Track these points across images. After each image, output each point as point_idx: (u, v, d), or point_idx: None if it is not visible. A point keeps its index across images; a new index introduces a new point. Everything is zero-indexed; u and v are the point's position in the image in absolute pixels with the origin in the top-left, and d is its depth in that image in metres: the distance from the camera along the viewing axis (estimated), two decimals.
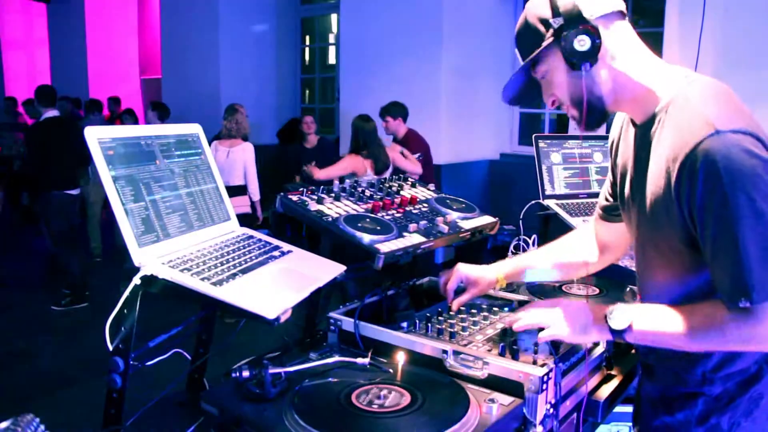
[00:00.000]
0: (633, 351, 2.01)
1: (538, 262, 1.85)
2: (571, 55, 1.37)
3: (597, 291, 2.22)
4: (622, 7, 1.42)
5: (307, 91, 10.08)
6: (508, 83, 1.55)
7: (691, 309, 1.34)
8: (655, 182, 1.38)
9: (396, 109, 5.88)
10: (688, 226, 1.33)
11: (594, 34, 1.35)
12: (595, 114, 1.46)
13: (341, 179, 5.09)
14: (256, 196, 5.79)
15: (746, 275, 1.22)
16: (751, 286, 1.22)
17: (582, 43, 1.35)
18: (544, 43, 1.40)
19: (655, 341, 1.42)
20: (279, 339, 1.79)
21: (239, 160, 5.63)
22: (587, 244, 1.85)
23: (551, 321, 1.50)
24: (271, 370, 1.40)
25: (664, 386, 1.56)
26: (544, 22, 1.40)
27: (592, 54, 1.36)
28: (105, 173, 1.37)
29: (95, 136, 1.37)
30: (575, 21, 1.36)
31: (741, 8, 5.20)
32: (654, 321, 1.38)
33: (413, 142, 5.83)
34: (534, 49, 1.42)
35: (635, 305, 1.44)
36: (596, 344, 1.78)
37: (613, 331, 1.40)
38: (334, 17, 9.49)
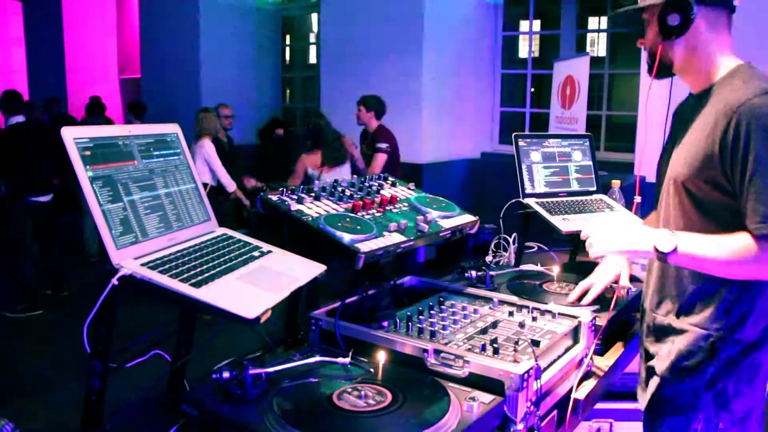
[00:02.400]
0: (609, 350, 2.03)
1: None
2: (662, 25, 1.65)
3: None
4: (734, 1, 1.66)
5: (288, 91, 10.06)
6: (623, 7, 1.84)
7: (728, 238, 1.54)
8: (699, 130, 1.62)
9: (372, 102, 6.00)
10: (717, 168, 1.57)
11: (686, 16, 1.62)
12: (662, 71, 1.75)
13: (308, 180, 5.29)
14: (232, 186, 5.99)
15: None
16: None
17: (673, 19, 1.63)
18: (651, 1, 1.68)
19: (695, 265, 1.63)
20: (260, 339, 1.78)
21: (198, 156, 5.83)
22: None
23: (606, 238, 1.73)
24: (252, 371, 1.39)
25: (676, 358, 1.73)
26: None
27: (678, 31, 1.64)
28: (82, 173, 1.36)
29: (72, 136, 1.36)
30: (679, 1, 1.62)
31: None
32: (696, 246, 1.58)
33: (383, 135, 5.95)
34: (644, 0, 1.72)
35: (678, 232, 1.62)
36: (576, 342, 1.80)
37: (659, 252, 1.60)
38: (314, 17, 9.48)
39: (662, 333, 1.78)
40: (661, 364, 1.77)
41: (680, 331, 1.73)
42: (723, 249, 1.54)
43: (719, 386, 1.67)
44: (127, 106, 8.05)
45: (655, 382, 1.79)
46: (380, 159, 5.84)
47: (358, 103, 6.04)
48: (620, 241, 1.71)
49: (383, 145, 5.81)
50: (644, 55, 1.82)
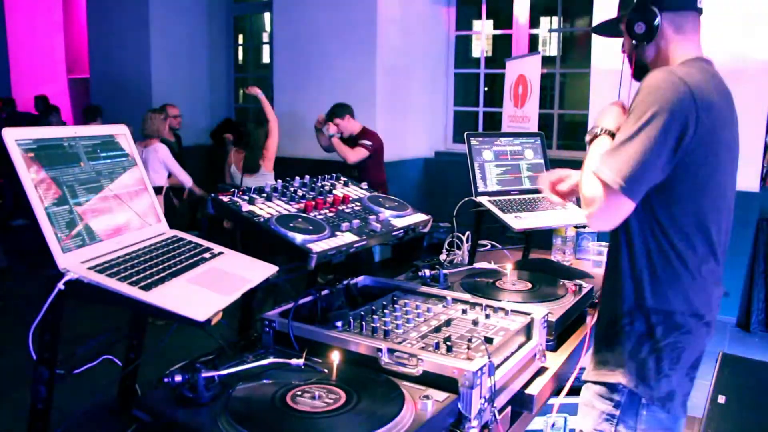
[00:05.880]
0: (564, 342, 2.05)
1: None
2: (630, 33, 1.80)
3: (530, 285, 2.26)
4: (699, 4, 1.79)
5: (241, 91, 9.96)
6: (604, 21, 2.01)
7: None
8: None
9: (339, 110, 5.94)
10: None
11: (651, 23, 1.76)
12: (639, 71, 1.86)
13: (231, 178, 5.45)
14: (189, 182, 6.09)
15: (611, 156, 1.62)
16: (605, 163, 1.62)
17: (639, 28, 1.78)
18: (626, 12, 1.82)
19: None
20: (214, 342, 1.76)
21: (152, 159, 5.85)
22: None
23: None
24: (204, 374, 1.38)
25: (606, 322, 1.83)
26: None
27: (646, 37, 1.78)
28: (25, 176, 1.32)
29: (14, 137, 1.32)
30: (643, 8, 1.77)
31: None
32: (591, 154, 1.77)
33: (368, 134, 5.94)
34: (620, 12, 1.87)
35: (603, 137, 1.81)
36: (529, 338, 1.82)
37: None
38: (267, 16, 9.41)
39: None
40: (597, 331, 1.89)
41: (609, 300, 1.83)
42: (588, 165, 1.70)
43: (641, 356, 1.74)
44: (82, 113, 7.89)
45: (592, 349, 1.89)
46: (359, 151, 5.78)
47: (333, 118, 5.90)
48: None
49: (366, 142, 5.79)
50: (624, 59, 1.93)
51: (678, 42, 1.78)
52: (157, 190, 5.64)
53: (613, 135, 1.78)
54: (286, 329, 1.68)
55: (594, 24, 6.07)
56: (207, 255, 1.58)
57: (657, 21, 1.75)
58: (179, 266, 1.48)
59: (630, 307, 1.76)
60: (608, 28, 1.96)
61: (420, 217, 2.05)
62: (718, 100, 1.68)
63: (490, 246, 3.19)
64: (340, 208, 1.92)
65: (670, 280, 1.72)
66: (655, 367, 1.73)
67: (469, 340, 1.61)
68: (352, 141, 5.90)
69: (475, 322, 1.77)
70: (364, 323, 1.70)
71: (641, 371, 1.74)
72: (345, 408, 1.34)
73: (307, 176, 2.06)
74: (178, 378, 1.38)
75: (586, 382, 1.87)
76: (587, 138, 1.85)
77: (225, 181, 6.03)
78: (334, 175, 2.16)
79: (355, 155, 5.76)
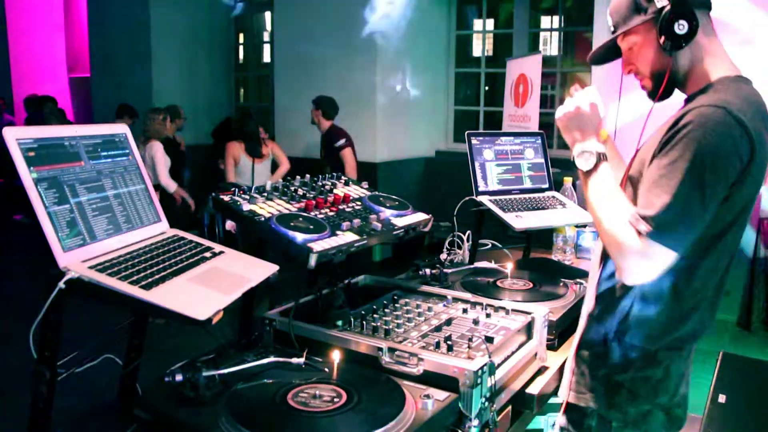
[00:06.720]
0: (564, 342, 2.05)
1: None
2: (668, 37, 1.50)
3: (530, 285, 2.26)
4: (710, 1, 1.55)
5: (242, 90, 9.96)
6: (597, 47, 1.72)
7: (623, 208, 1.47)
8: (659, 132, 1.52)
9: (322, 102, 6.09)
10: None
11: (693, 21, 1.48)
12: (668, 90, 1.60)
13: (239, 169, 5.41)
14: (171, 187, 6.13)
15: (659, 210, 1.38)
16: (654, 220, 1.39)
17: (681, 27, 1.48)
18: (645, 18, 1.54)
19: (589, 202, 1.56)
20: (214, 341, 1.76)
21: (147, 157, 5.96)
22: None
23: (566, 118, 1.69)
24: (205, 373, 1.38)
25: (582, 342, 1.71)
26: None
27: (687, 39, 1.49)
28: (26, 175, 1.32)
29: (14, 136, 1.32)
30: (679, 5, 1.48)
31: None
32: (597, 191, 1.54)
33: (336, 132, 6.03)
34: (630, 20, 1.57)
35: (605, 166, 1.57)
36: (529, 337, 1.82)
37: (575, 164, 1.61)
38: (268, 15, 9.40)
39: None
40: (573, 347, 1.77)
41: (589, 321, 1.70)
42: (611, 213, 1.47)
43: (614, 384, 1.62)
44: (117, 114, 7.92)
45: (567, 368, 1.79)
46: (347, 154, 5.86)
47: (312, 102, 6.07)
48: (573, 127, 1.68)
49: (341, 141, 5.84)
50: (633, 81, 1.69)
51: (707, 46, 1.54)
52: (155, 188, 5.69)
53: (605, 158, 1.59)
54: (287, 328, 1.68)
55: (593, 25, 6.08)
56: (208, 254, 1.59)
57: (695, 18, 1.47)
58: (180, 265, 1.48)
59: (610, 336, 1.63)
60: (605, 56, 1.73)
61: (420, 216, 2.05)
62: (766, 133, 1.47)
63: (490, 245, 3.18)
64: (340, 207, 1.92)
65: (661, 313, 1.56)
66: (628, 395, 1.61)
67: (470, 339, 1.61)
68: (324, 140, 6.03)
69: (475, 322, 1.77)
70: (364, 322, 1.70)
71: (613, 397, 1.62)
72: (346, 407, 1.34)
73: (308, 175, 2.06)
74: (178, 377, 1.38)
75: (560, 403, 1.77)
76: (585, 167, 1.58)
77: (226, 180, 6.05)
78: (334, 174, 2.16)
79: (351, 161, 5.91)
